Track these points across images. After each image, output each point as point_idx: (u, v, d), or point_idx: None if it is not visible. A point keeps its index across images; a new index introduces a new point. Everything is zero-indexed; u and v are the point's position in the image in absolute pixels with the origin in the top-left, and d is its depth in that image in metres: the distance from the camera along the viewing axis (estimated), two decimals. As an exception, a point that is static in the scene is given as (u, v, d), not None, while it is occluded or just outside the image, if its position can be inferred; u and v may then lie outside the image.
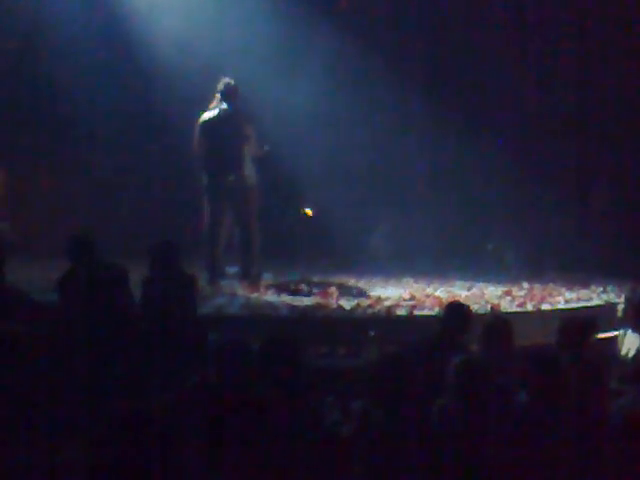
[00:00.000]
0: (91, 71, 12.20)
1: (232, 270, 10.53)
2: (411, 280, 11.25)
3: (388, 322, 8.69)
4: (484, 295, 10.12)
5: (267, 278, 10.47)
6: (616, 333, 7.99)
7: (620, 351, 7.76)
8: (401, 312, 9.04)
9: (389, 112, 12.69)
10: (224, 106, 10.15)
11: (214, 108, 10.22)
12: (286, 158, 11.57)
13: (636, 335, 7.70)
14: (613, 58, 12.45)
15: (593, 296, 10.25)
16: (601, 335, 7.67)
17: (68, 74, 12.01)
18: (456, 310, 7.29)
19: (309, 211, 10.48)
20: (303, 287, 10.01)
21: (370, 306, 9.31)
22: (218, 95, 10.22)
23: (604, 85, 12.50)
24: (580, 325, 7.02)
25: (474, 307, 8.77)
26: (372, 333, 7.98)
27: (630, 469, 5.47)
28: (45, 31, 12.12)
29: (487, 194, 12.71)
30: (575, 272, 11.52)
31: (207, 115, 10.22)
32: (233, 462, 5.10)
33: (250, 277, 10.24)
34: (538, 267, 11.79)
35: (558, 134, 12.68)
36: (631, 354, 7.68)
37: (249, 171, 10.20)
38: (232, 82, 10.20)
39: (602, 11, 12.37)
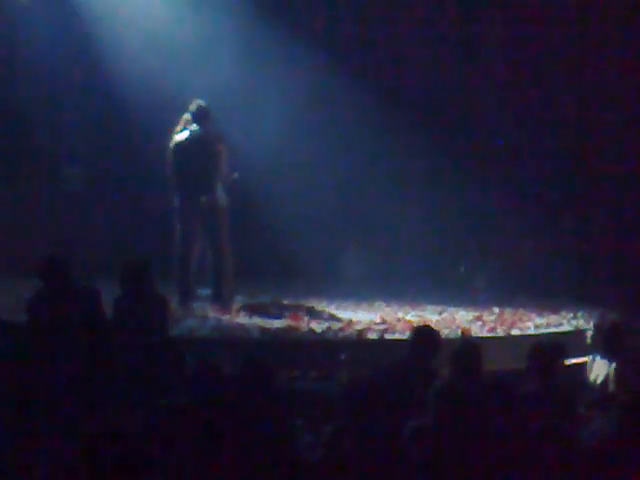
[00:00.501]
0: (67, 89, 12.27)
1: (203, 292, 10.50)
2: (382, 304, 11.25)
3: (359, 346, 8.70)
4: (455, 320, 10.13)
5: (238, 300, 10.45)
6: (585, 359, 8.04)
7: (589, 377, 7.81)
8: (372, 336, 9.06)
9: (363, 134, 12.68)
10: (195, 128, 10.16)
11: (184, 130, 10.22)
12: (257, 179, 11.57)
13: (604, 361, 7.75)
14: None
15: (563, 322, 10.29)
16: (570, 361, 7.72)
17: (44, 94, 12.05)
18: (425, 335, 7.32)
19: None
20: (274, 310, 10.00)
21: (341, 329, 9.30)
22: (187, 116, 10.22)
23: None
24: (549, 351, 7.06)
25: (445, 332, 8.80)
26: (343, 356, 7.97)
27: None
28: (22, 53, 12.17)
29: (459, 217, 12.72)
30: (546, 298, 11.55)
31: (179, 137, 10.21)
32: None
33: (221, 299, 10.21)
34: (509, 291, 11.81)
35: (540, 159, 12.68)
36: (599, 380, 7.72)
37: (220, 193, 10.20)
38: (204, 104, 10.21)
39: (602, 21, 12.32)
